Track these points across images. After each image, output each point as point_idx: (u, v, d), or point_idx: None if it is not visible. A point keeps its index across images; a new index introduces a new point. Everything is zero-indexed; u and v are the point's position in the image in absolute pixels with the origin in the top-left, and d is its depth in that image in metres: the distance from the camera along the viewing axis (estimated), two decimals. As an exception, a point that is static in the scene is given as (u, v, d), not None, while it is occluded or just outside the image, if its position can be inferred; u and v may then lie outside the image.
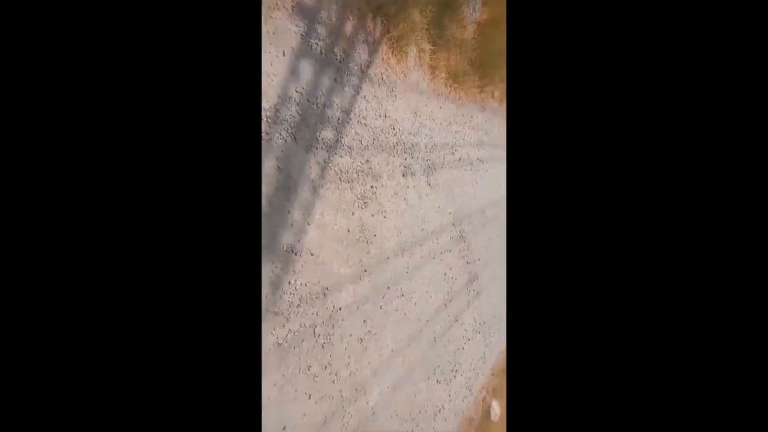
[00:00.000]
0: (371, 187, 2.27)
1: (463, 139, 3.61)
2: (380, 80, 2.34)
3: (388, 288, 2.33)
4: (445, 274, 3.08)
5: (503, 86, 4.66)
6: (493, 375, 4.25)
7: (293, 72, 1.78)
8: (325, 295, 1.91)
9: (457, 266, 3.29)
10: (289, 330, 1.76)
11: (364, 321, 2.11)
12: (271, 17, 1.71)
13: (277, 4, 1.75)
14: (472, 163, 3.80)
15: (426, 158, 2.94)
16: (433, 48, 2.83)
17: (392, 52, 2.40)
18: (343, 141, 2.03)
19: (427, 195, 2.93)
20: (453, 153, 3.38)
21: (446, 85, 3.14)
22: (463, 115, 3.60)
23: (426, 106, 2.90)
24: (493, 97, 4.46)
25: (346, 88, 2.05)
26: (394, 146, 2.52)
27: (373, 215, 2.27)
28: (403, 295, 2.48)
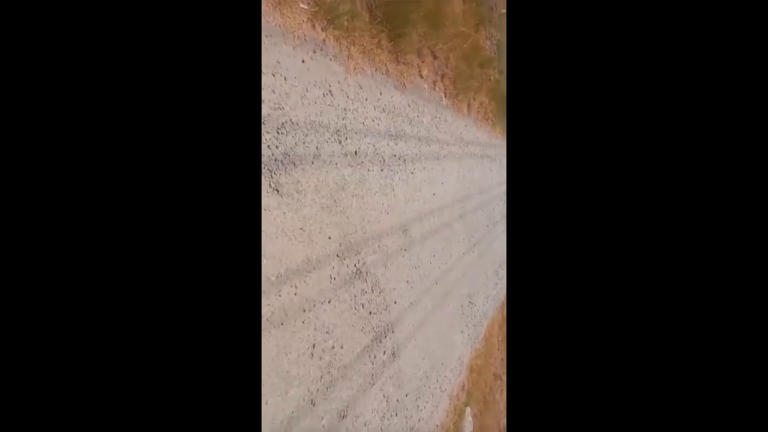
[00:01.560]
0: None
1: (363, 124, 2.39)
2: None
3: None
4: (314, 346, 1.78)
5: (437, 64, 3.58)
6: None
7: None
8: None
9: (345, 324, 2.01)
10: None
11: None
12: None
13: None
14: (383, 161, 2.58)
15: (274, 143, 1.67)
16: (272, -53, 1.59)
17: None
18: None
19: (275, 208, 1.64)
20: (340, 142, 2.14)
21: (315, 27, 1.91)
22: (361, 87, 2.38)
23: (265, 50, 1.64)
24: (421, 76, 3.32)
25: None
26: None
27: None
28: None
